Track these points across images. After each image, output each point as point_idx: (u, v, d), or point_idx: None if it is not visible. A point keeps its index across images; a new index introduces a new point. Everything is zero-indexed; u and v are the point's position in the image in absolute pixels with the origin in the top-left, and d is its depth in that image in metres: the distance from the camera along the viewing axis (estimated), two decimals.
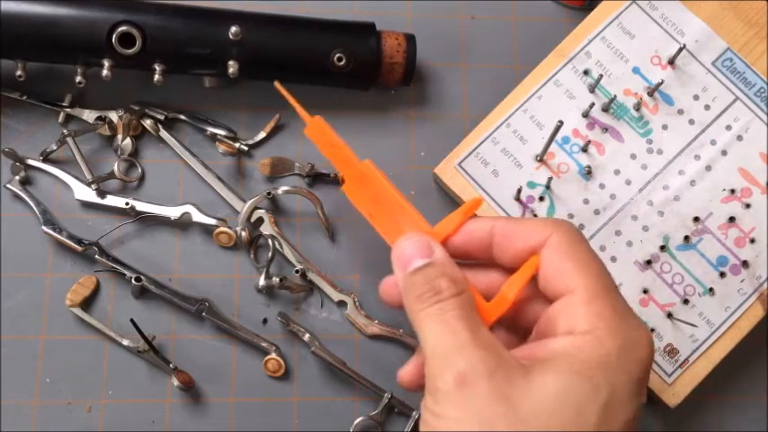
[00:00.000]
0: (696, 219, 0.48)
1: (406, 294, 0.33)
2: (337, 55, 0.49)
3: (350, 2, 0.55)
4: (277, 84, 0.40)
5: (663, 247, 0.48)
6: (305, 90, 0.51)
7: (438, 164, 0.50)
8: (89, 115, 0.51)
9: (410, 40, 0.50)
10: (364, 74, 0.50)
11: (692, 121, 0.50)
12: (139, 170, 0.50)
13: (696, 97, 0.50)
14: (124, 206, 0.49)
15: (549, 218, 0.35)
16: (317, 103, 0.52)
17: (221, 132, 0.51)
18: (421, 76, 0.54)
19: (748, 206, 0.49)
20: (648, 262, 0.48)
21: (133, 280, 0.47)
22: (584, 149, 0.49)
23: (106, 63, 0.47)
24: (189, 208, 0.49)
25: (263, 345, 0.48)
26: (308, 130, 0.38)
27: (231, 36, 0.47)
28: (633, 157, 0.49)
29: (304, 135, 0.53)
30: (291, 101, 0.39)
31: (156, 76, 0.47)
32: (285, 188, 0.50)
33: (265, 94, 0.52)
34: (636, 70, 0.51)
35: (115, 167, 0.49)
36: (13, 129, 0.51)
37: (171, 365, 0.46)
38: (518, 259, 0.34)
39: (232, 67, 0.48)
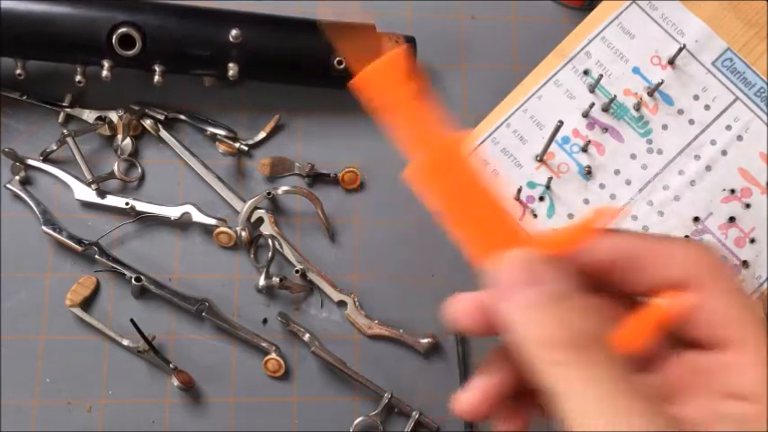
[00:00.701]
0: (696, 219, 0.48)
1: (524, 335, 0.25)
2: (337, 59, 0.49)
3: (350, 2, 0.55)
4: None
5: None
6: (305, 87, 0.51)
7: None
8: (89, 115, 0.51)
9: (410, 42, 0.50)
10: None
11: (692, 121, 0.50)
12: (139, 170, 0.50)
13: (696, 97, 0.50)
14: (124, 206, 0.49)
15: (696, 242, 0.27)
16: (316, 102, 0.53)
17: (221, 132, 0.51)
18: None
19: (748, 206, 0.49)
20: None
21: (133, 280, 0.47)
22: (584, 149, 0.49)
23: (106, 64, 0.47)
24: (189, 208, 0.49)
25: (263, 345, 0.48)
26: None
27: (231, 39, 0.47)
28: (633, 157, 0.49)
29: (304, 135, 0.53)
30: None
31: (156, 77, 0.47)
32: (285, 188, 0.50)
33: (265, 94, 0.52)
34: (636, 70, 0.51)
35: (115, 167, 0.49)
36: (13, 129, 0.51)
37: (171, 365, 0.46)
38: (651, 289, 0.27)
39: (232, 69, 0.48)
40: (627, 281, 0.27)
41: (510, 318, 0.25)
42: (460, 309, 0.28)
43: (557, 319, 0.25)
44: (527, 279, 0.25)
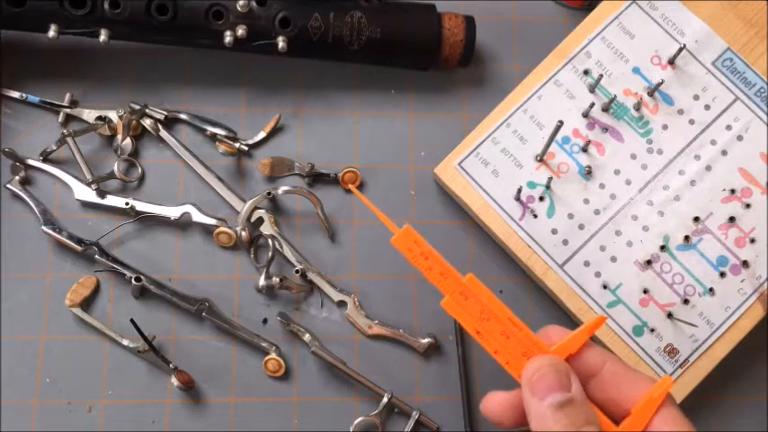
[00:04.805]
0: (696, 219, 0.48)
1: (550, 427, 0.33)
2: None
3: None
4: (353, 188, 0.41)
5: (663, 247, 0.48)
6: (305, 87, 0.51)
7: (438, 164, 0.50)
8: (89, 115, 0.51)
9: (469, 21, 0.51)
10: (423, 56, 0.52)
11: (692, 121, 0.50)
12: (139, 170, 0.50)
13: (696, 97, 0.50)
14: (124, 206, 0.49)
15: (654, 379, 0.35)
16: (317, 102, 0.53)
17: (221, 132, 0.51)
18: (421, 75, 0.54)
19: (748, 206, 0.49)
20: (648, 262, 0.48)
21: (133, 280, 0.47)
22: (585, 149, 0.49)
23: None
24: (189, 208, 0.49)
25: (263, 345, 0.48)
26: (397, 241, 0.36)
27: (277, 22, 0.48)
28: (633, 157, 0.49)
29: (304, 135, 0.53)
30: (375, 210, 0.37)
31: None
32: (285, 188, 0.50)
33: (266, 93, 0.52)
34: (636, 70, 0.51)
35: (115, 167, 0.49)
36: (13, 129, 0.51)
37: (171, 365, 0.46)
38: (622, 403, 0.34)
39: (282, 41, 0.48)
40: (603, 390, 0.35)
41: (539, 412, 0.33)
42: (493, 407, 0.36)
43: (571, 421, 0.32)
44: (558, 385, 0.33)
